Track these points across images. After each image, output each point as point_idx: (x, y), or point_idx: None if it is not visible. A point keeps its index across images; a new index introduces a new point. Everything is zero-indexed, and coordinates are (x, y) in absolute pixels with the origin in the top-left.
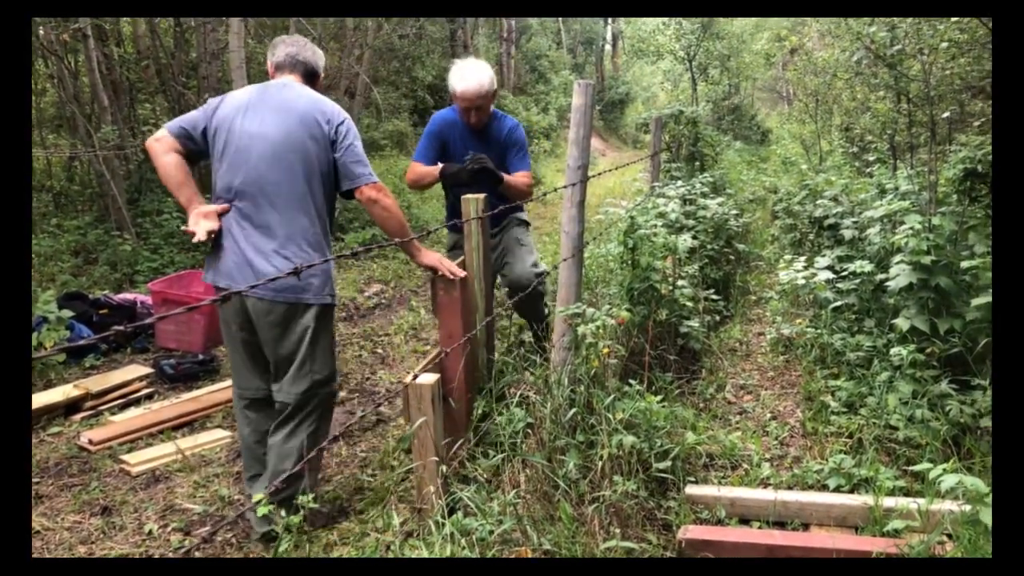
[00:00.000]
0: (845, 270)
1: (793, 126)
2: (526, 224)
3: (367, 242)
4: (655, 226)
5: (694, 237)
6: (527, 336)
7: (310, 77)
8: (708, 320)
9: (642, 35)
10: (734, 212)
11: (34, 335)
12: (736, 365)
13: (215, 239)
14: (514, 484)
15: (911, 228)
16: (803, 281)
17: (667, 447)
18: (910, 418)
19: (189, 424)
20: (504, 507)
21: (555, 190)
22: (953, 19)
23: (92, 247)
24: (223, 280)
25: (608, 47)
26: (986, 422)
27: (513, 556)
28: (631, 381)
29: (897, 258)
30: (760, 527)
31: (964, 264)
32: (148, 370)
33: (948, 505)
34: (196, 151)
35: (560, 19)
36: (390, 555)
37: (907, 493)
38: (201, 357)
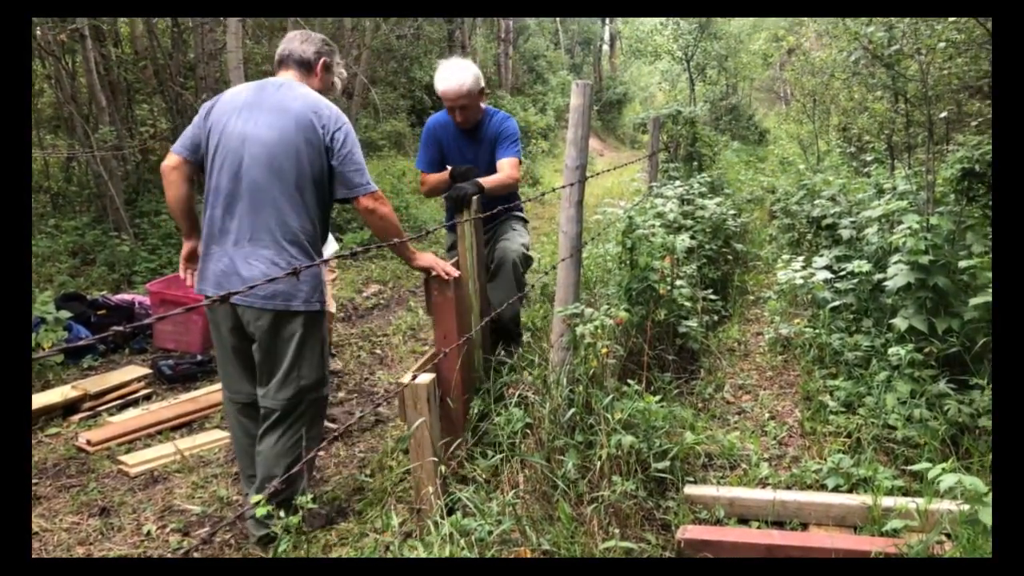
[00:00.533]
0: (843, 270)
1: (791, 126)
2: (523, 220)
3: (365, 243)
4: (653, 226)
5: (692, 237)
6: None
7: (305, 68)
8: (706, 320)
9: (640, 35)
10: (732, 212)
11: (32, 336)
12: (734, 365)
13: (202, 244)
14: (513, 484)
15: (909, 228)
16: (801, 281)
17: (666, 447)
18: (908, 418)
19: (187, 425)
20: (503, 507)
21: (553, 190)
22: (951, 19)
23: (90, 248)
24: (211, 288)
25: (606, 47)
26: (984, 421)
27: (512, 556)
28: (630, 381)
29: (895, 258)
30: (759, 527)
31: (962, 264)
32: (146, 371)
33: (947, 505)
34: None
35: (558, 19)
36: (389, 556)
37: (906, 493)
38: (199, 358)
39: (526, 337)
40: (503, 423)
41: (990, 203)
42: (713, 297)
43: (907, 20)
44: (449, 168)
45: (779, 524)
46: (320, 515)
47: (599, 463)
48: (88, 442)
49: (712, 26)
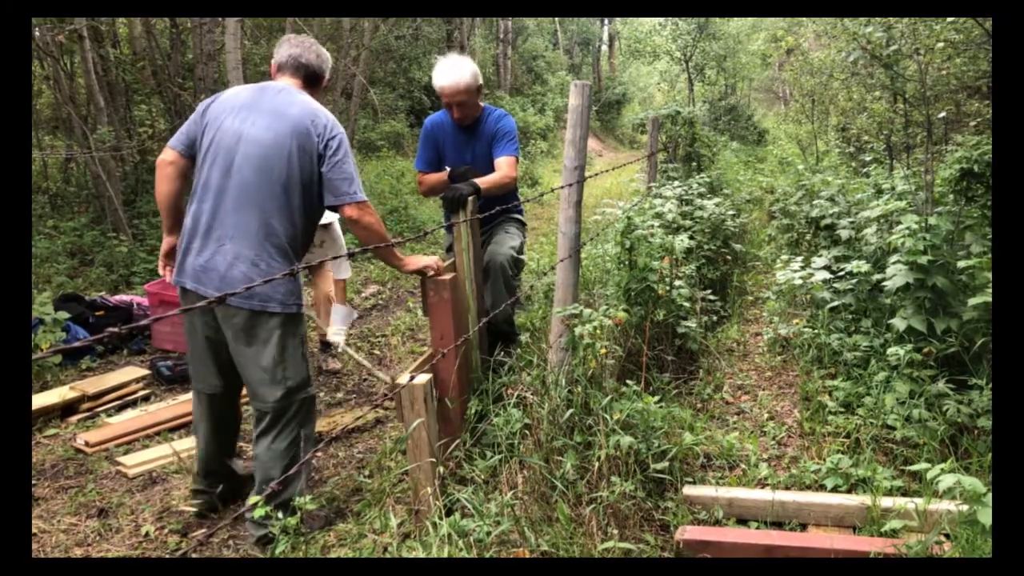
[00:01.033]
0: (842, 270)
1: (790, 126)
2: (520, 222)
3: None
4: (652, 226)
5: (691, 237)
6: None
7: (312, 81)
8: (705, 320)
9: (639, 36)
10: (731, 212)
11: (31, 337)
12: (733, 365)
13: (183, 237)
14: (511, 485)
15: (908, 228)
16: (800, 281)
17: (665, 447)
18: (907, 418)
19: (186, 426)
20: (501, 508)
21: (552, 191)
22: (949, 19)
23: (88, 248)
24: (189, 281)
25: (605, 48)
26: (983, 422)
27: (511, 557)
28: (628, 382)
29: (894, 258)
30: (758, 527)
31: (961, 264)
32: (145, 372)
33: (946, 505)
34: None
35: (556, 20)
36: (387, 557)
37: (905, 493)
38: None
39: (525, 338)
40: (501, 424)
41: (989, 203)
42: (712, 297)
43: (906, 20)
44: (448, 168)
45: (778, 525)
46: (319, 516)
47: (598, 464)
48: (86, 443)
49: (711, 26)
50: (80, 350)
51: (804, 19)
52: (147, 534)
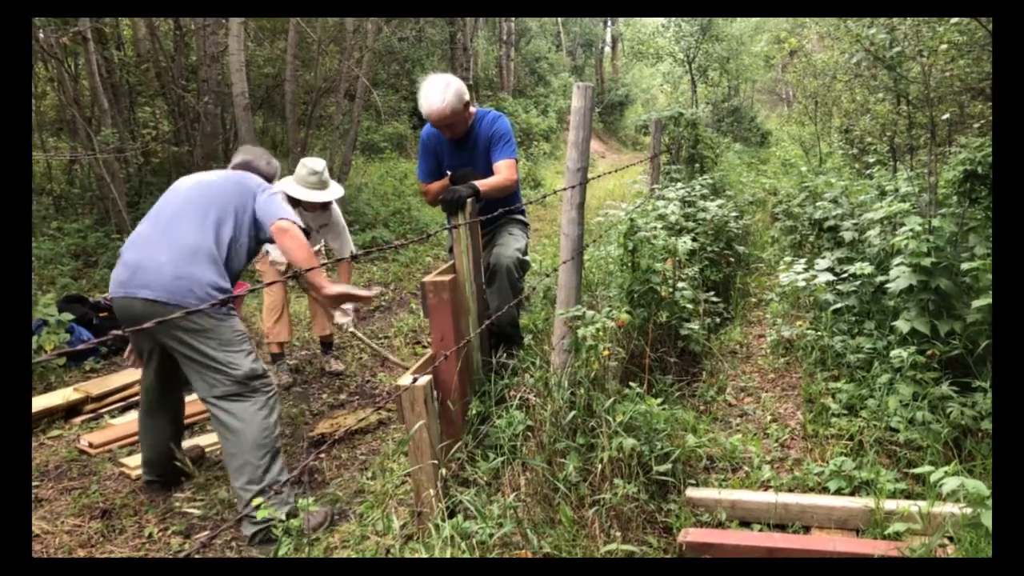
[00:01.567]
0: (845, 272)
1: (793, 128)
2: (522, 223)
3: (367, 245)
4: (655, 228)
5: (694, 239)
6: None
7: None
8: (708, 322)
9: (641, 37)
10: (734, 214)
11: (34, 338)
12: (736, 367)
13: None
14: (514, 487)
15: (911, 230)
16: (803, 283)
17: (667, 450)
18: (911, 420)
19: (188, 427)
20: (504, 510)
21: (555, 192)
22: (952, 21)
23: (92, 250)
24: (116, 288)
25: (607, 49)
26: (987, 424)
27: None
28: (631, 384)
29: (897, 260)
30: (761, 530)
31: (964, 266)
32: None
33: (949, 508)
34: None
35: (559, 21)
36: (390, 557)
37: (908, 496)
38: None
39: (528, 340)
40: (504, 425)
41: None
42: (715, 299)
43: (909, 22)
44: (448, 174)
45: (781, 527)
46: (320, 513)
47: (600, 466)
48: (90, 444)
49: (714, 28)
50: (84, 352)
51: (807, 21)
52: (150, 535)
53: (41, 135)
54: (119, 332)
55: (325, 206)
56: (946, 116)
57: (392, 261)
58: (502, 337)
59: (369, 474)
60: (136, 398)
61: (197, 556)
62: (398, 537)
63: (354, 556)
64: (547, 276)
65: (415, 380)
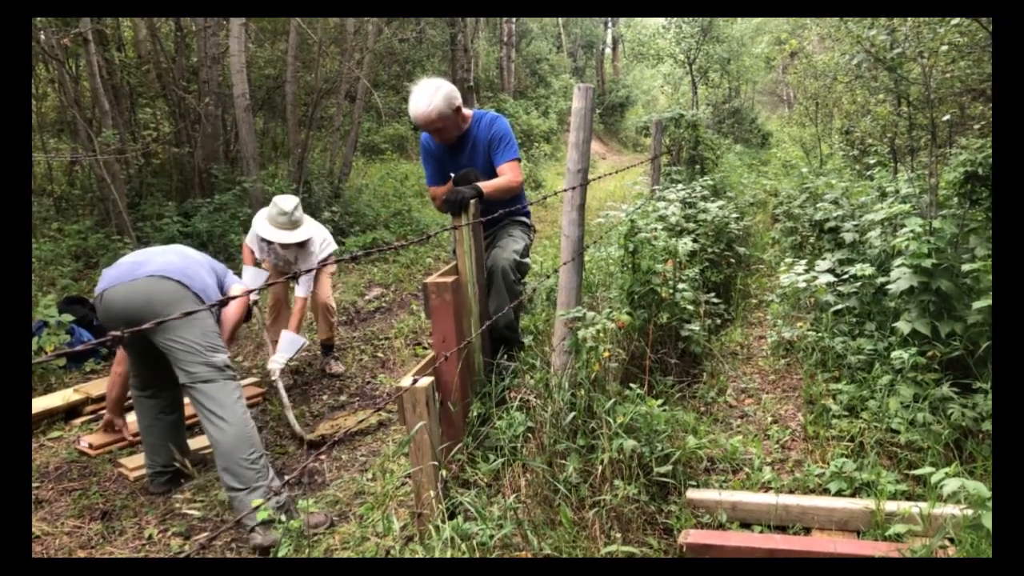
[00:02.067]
0: (846, 273)
1: (793, 129)
2: (524, 225)
3: (367, 246)
4: (655, 229)
5: (694, 240)
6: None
7: None
8: (709, 323)
9: (642, 39)
10: (735, 215)
11: (34, 339)
12: (737, 369)
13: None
14: (514, 488)
15: (912, 231)
16: (804, 284)
17: (668, 451)
18: (911, 422)
19: (189, 428)
20: (504, 511)
21: (555, 193)
22: (953, 22)
23: (93, 251)
24: (110, 282)
25: (608, 51)
26: (988, 425)
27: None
28: (632, 385)
29: (898, 261)
30: (761, 531)
31: (965, 267)
32: None
33: (950, 509)
34: None
35: (560, 23)
36: (390, 557)
37: (909, 497)
38: None
39: (528, 341)
40: (504, 427)
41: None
42: (715, 300)
43: (909, 23)
44: (452, 176)
45: (782, 528)
46: (320, 514)
47: (601, 467)
48: (90, 445)
49: (714, 29)
50: (84, 353)
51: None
52: (150, 537)
53: (42, 136)
54: (119, 333)
55: (301, 244)
56: (947, 117)
57: (392, 262)
58: (500, 340)
59: (369, 475)
60: None
61: (197, 557)
62: (398, 538)
63: (354, 556)
64: (548, 277)
65: (416, 381)
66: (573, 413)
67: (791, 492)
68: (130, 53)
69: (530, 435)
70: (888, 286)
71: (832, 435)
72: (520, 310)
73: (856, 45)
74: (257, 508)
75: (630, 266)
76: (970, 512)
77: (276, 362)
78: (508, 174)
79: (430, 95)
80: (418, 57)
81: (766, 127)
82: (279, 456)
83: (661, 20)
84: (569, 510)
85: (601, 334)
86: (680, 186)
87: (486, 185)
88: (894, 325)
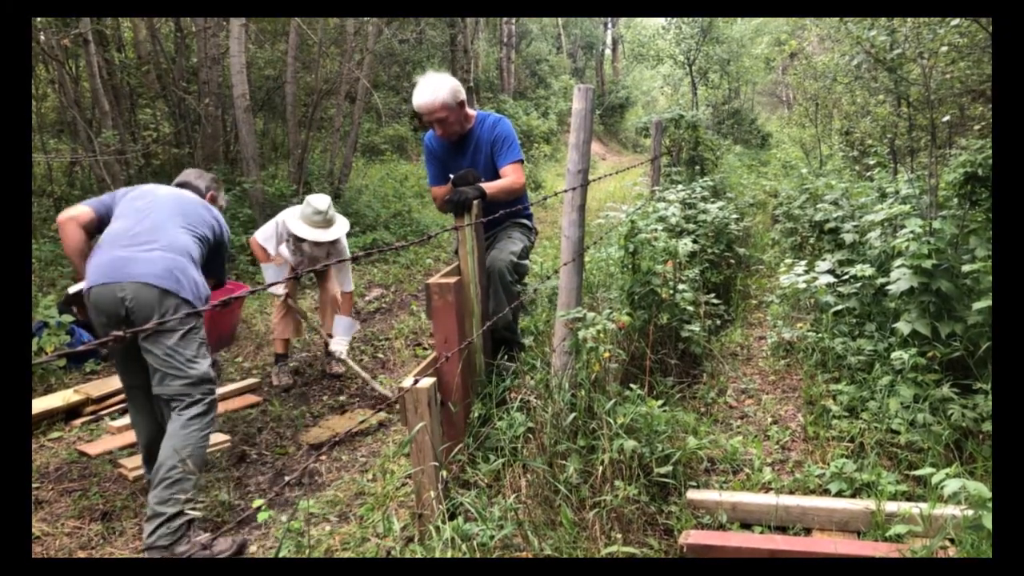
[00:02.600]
0: (846, 274)
1: (793, 130)
2: (525, 227)
3: (367, 246)
4: (655, 230)
5: (695, 241)
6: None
7: (198, 195)
8: (709, 324)
9: (642, 39)
10: (734, 216)
11: (34, 340)
12: (737, 369)
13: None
14: (515, 489)
15: (912, 232)
16: (804, 285)
17: (668, 452)
18: (912, 422)
19: None
20: (505, 512)
21: (555, 194)
22: (953, 23)
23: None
24: (98, 278)
25: (608, 51)
26: (988, 426)
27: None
28: (632, 385)
29: (898, 262)
30: (762, 532)
31: (965, 268)
32: None
33: (951, 510)
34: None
35: (560, 24)
36: (391, 557)
37: (909, 498)
38: None
39: (528, 342)
40: (505, 427)
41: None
42: (715, 301)
43: (909, 24)
44: (451, 177)
45: (782, 529)
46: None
47: (601, 468)
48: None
49: (714, 30)
50: (84, 353)
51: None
52: None
53: (42, 137)
54: (120, 333)
55: (334, 242)
56: (946, 118)
57: (392, 263)
58: (500, 341)
59: (370, 476)
60: None
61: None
62: (399, 539)
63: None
64: (548, 278)
65: (417, 382)
66: (573, 414)
67: (791, 493)
68: (130, 54)
69: (530, 436)
70: (888, 287)
71: (832, 436)
72: (519, 311)
73: (856, 46)
74: (259, 508)
75: (630, 267)
76: (970, 513)
77: (340, 344)
78: (511, 175)
79: (436, 85)
80: (418, 58)
81: (766, 128)
82: (279, 456)
83: (661, 21)
84: (569, 511)
85: (601, 335)
86: (680, 187)
87: (489, 186)
88: (894, 326)
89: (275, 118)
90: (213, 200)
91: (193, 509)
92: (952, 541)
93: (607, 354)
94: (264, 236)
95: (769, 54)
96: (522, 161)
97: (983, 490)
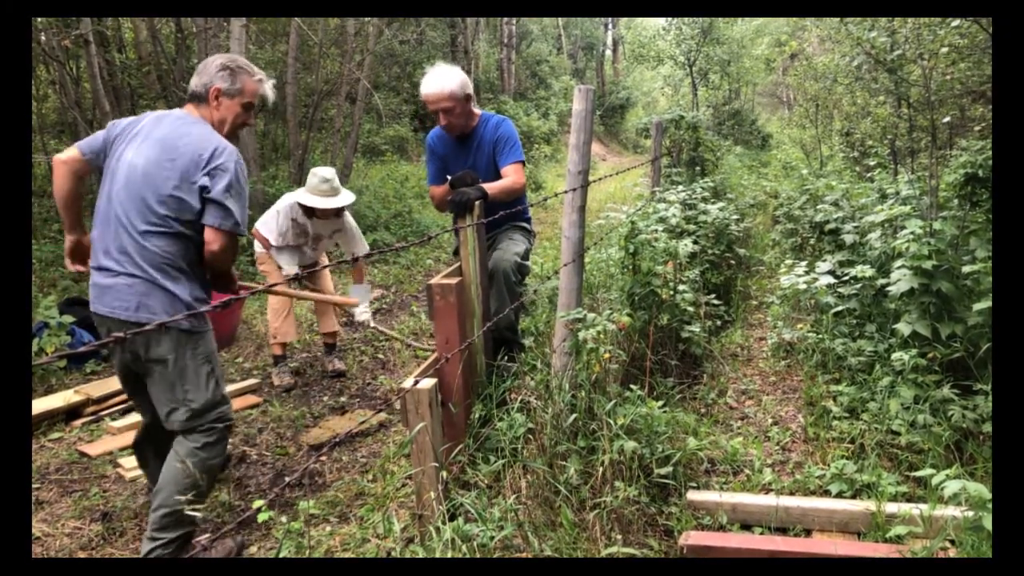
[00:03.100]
0: (846, 275)
1: (794, 131)
2: (525, 230)
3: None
4: (656, 231)
5: (695, 242)
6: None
7: (198, 101)
8: (709, 325)
9: (642, 40)
10: (735, 217)
11: (35, 341)
12: (737, 370)
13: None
14: (515, 490)
15: (912, 233)
16: (804, 286)
17: (668, 452)
18: (912, 423)
19: None
20: (505, 513)
21: (556, 195)
22: (953, 24)
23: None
24: (91, 300)
25: (608, 52)
26: (988, 427)
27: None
28: (632, 386)
29: (898, 263)
30: (762, 533)
31: (965, 269)
32: None
33: (951, 511)
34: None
35: (560, 25)
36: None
37: (910, 499)
38: None
39: (528, 342)
40: (505, 428)
41: None
42: (716, 302)
43: (909, 25)
44: (450, 178)
45: (782, 530)
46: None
47: (601, 469)
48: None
49: (714, 31)
50: (85, 354)
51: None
52: None
53: (42, 137)
54: (119, 334)
55: (338, 212)
56: (947, 119)
57: (393, 264)
58: (501, 341)
59: (370, 476)
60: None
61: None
62: (399, 540)
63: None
64: (548, 279)
65: (418, 383)
66: (574, 415)
67: (792, 494)
68: (131, 54)
69: (531, 436)
70: (888, 288)
71: (832, 436)
72: (520, 312)
73: (856, 47)
74: (259, 509)
75: (630, 267)
76: (971, 514)
77: (363, 312)
78: (512, 176)
79: (445, 75)
80: (419, 59)
81: (766, 129)
82: (280, 457)
83: (661, 21)
84: (570, 511)
85: (601, 336)
86: (680, 188)
87: (490, 187)
88: (894, 327)
89: (275, 119)
90: (218, 96)
91: (194, 510)
92: (952, 542)
93: (607, 355)
94: (267, 228)
95: (769, 55)
96: (523, 162)
97: (983, 491)
